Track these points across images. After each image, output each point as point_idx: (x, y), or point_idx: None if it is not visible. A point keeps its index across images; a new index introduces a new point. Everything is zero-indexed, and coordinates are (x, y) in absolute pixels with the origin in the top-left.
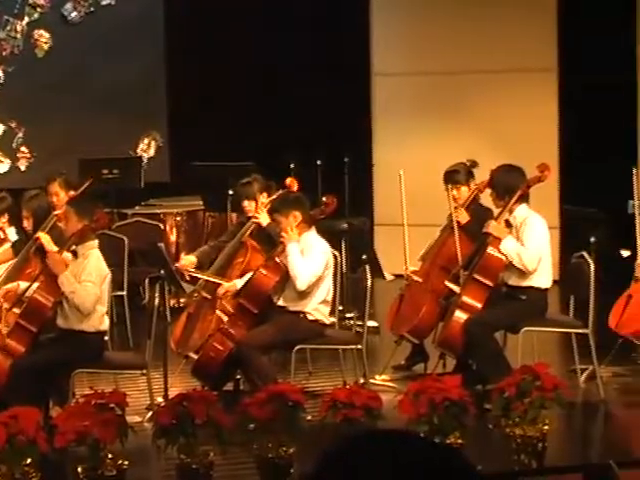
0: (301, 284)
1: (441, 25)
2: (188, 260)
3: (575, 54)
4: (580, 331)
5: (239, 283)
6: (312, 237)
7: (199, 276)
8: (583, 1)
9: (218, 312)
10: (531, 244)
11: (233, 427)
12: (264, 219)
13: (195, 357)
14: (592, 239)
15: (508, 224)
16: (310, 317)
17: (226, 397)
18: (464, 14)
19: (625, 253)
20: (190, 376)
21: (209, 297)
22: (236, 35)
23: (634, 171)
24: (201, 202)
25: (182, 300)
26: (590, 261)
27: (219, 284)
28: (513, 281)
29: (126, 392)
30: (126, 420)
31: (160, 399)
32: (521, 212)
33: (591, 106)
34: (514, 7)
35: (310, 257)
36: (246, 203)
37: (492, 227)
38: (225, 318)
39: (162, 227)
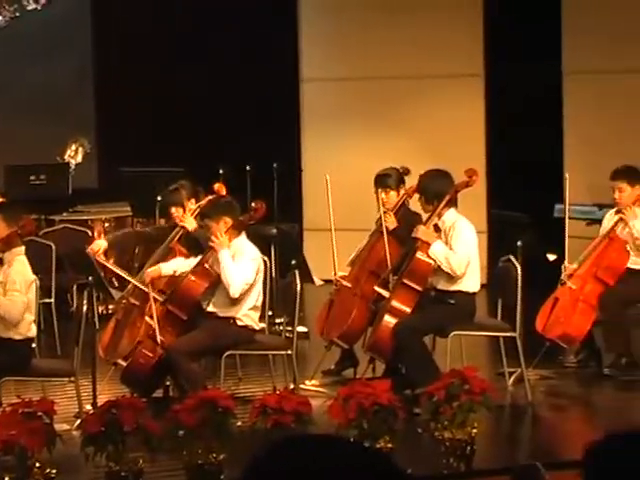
0: (234, 291)
1: (369, 31)
2: (98, 245)
3: (502, 60)
4: (508, 334)
5: (163, 267)
6: (242, 243)
7: (125, 276)
8: (509, 8)
9: (147, 318)
10: (459, 248)
11: (162, 434)
12: (190, 224)
13: (124, 364)
14: (519, 243)
15: (437, 229)
16: (240, 323)
17: (155, 404)
18: (391, 20)
19: (551, 257)
20: (119, 383)
21: (137, 303)
22: (165, 39)
23: (566, 176)
24: (129, 208)
25: (110, 307)
26: (517, 265)
27: (146, 292)
28: (442, 285)
29: (54, 400)
30: (54, 428)
31: (89, 407)
32: (449, 217)
33: (518, 111)
34: (441, 13)
35: (241, 263)
36: (173, 210)
37: (421, 232)
38: (154, 324)
39: (90, 233)
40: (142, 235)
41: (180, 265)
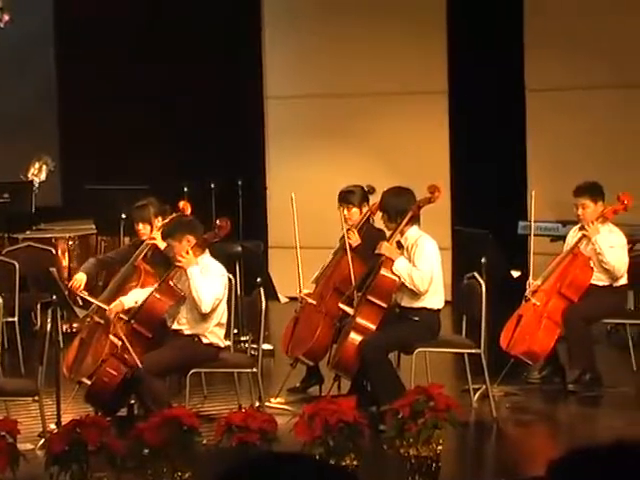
0: (205, 307)
1: (333, 48)
2: (79, 280)
3: (466, 77)
4: (472, 351)
5: (125, 300)
6: (207, 260)
7: (91, 300)
8: (473, 25)
9: (111, 337)
10: (422, 265)
11: (127, 453)
12: (162, 243)
13: (88, 383)
14: (483, 260)
15: (399, 245)
16: (205, 340)
17: (120, 422)
18: (356, 37)
19: (515, 273)
20: (83, 402)
21: (102, 322)
22: (130, 58)
23: (532, 193)
24: (93, 226)
25: (75, 325)
26: (481, 281)
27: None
28: (405, 302)
29: (18, 419)
30: (18, 448)
31: (53, 426)
32: (412, 233)
33: (481, 128)
34: (406, 31)
35: (209, 280)
36: (141, 227)
37: (384, 248)
38: (118, 343)
39: (54, 252)
40: (107, 262)
41: (140, 296)
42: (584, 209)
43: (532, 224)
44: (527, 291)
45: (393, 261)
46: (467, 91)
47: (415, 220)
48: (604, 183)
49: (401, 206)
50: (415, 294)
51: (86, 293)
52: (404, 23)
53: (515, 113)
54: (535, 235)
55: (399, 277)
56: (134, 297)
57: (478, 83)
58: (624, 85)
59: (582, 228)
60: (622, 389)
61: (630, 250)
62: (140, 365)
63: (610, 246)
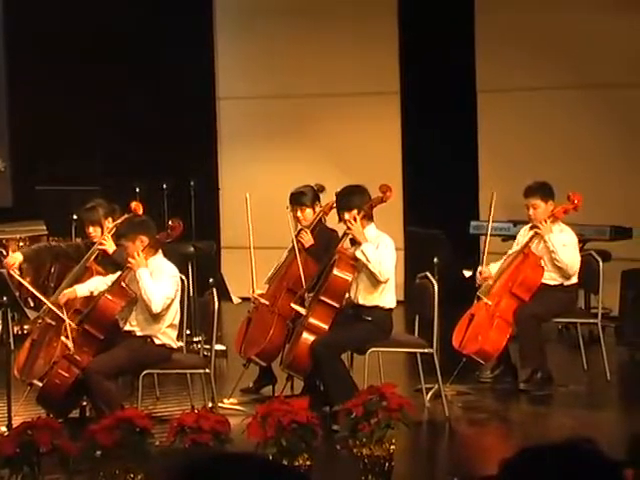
0: (156, 307)
1: (286, 49)
2: (14, 258)
3: (417, 77)
4: (425, 351)
5: (79, 289)
6: (160, 261)
7: (42, 299)
8: (425, 26)
9: (63, 338)
10: (385, 260)
11: (79, 455)
12: (110, 246)
13: (40, 384)
14: (435, 260)
15: (352, 242)
16: (157, 341)
17: (72, 424)
18: (308, 38)
19: (467, 273)
20: (34, 404)
21: (53, 323)
22: (81, 58)
23: (494, 194)
24: (45, 227)
25: (26, 327)
26: (434, 281)
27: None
28: (361, 298)
29: None
30: None
31: (3, 428)
32: (370, 233)
33: (433, 129)
34: (358, 32)
35: (160, 281)
36: (91, 229)
37: (355, 230)
38: (70, 344)
39: (4, 253)
40: (56, 250)
41: (97, 285)
42: (535, 209)
43: (490, 223)
44: (477, 279)
45: (347, 261)
46: (419, 92)
47: (369, 219)
48: (556, 183)
49: (355, 204)
50: (372, 289)
51: (18, 273)
52: (356, 24)
53: (467, 113)
54: (486, 235)
55: (365, 259)
56: (90, 286)
57: (430, 84)
58: (577, 85)
59: (533, 227)
60: (573, 388)
61: (580, 250)
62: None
63: (562, 245)
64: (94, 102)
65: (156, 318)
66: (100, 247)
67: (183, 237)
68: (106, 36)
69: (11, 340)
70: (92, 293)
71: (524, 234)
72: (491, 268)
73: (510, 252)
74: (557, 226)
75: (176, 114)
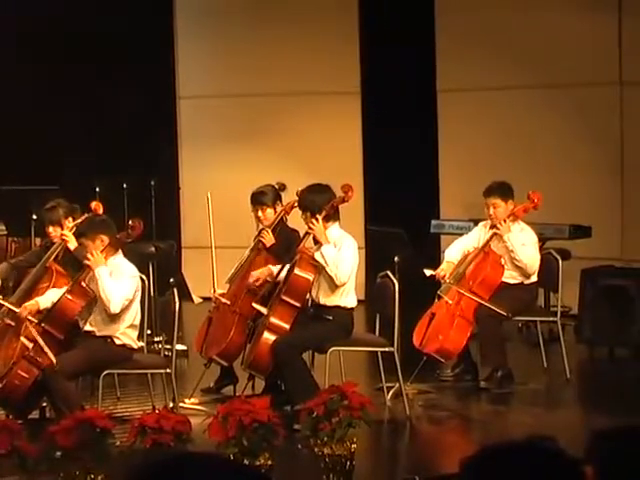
0: (114, 307)
1: (246, 48)
2: None
3: (378, 77)
4: (386, 349)
5: (41, 301)
6: (120, 261)
7: (1, 302)
8: (386, 26)
9: (22, 339)
10: (343, 264)
11: (38, 456)
12: (72, 243)
13: None
14: (396, 259)
15: (315, 241)
16: (118, 341)
17: (31, 425)
18: (270, 37)
19: (428, 272)
20: None
21: (12, 324)
22: (43, 57)
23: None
24: (4, 227)
25: None
26: (395, 280)
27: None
28: (322, 298)
29: None
30: None
31: None
32: (333, 233)
33: (394, 128)
34: (318, 31)
35: (120, 280)
36: (51, 229)
37: (317, 230)
38: (30, 345)
39: None
40: (19, 265)
41: (56, 296)
42: (495, 208)
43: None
44: (433, 272)
45: (308, 261)
46: (379, 91)
47: (334, 218)
48: (516, 183)
49: (317, 203)
50: (332, 289)
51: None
52: (316, 23)
53: (427, 113)
54: (447, 234)
55: (324, 262)
56: (50, 297)
57: (390, 83)
58: (538, 85)
59: (493, 227)
60: (533, 386)
61: (540, 248)
62: (55, 362)
63: (522, 244)
64: (55, 102)
65: (114, 318)
66: (62, 239)
67: (144, 237)
68: (67, 34)
69: None
70: (54, 304)
71: (480, 230)
72: (447, 253)
73: (465, 246)
74: (517, 225)
75: (137, 113)
